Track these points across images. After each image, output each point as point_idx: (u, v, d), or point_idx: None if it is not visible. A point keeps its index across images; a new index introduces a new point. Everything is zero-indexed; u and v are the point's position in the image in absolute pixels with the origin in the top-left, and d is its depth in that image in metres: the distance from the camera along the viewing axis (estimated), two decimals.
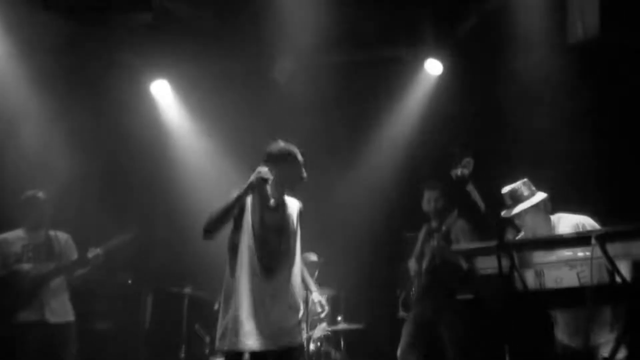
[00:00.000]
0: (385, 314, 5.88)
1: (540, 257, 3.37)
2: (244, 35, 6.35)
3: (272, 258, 3.79)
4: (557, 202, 4.09)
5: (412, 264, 5.34)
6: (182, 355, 5.79)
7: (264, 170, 3.73)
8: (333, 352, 5.90)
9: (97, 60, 6.24)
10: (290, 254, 3.87)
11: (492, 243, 3.29)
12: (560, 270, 3.43)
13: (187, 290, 5.92)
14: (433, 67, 6.61)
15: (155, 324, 6.12)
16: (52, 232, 5.12)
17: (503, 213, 4.02)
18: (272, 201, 3.89)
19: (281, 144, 3.95)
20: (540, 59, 5.71)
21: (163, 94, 6.88)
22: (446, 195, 5.28)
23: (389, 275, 5.98)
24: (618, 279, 3.15)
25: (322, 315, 4.43)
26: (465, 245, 4.76)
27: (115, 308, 6.45)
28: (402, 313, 5.33)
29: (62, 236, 5.18)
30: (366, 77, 6.77)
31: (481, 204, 3.40)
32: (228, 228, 3.84)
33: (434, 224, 5.32)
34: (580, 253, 3.25)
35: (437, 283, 5.13)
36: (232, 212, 3.77)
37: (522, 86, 5.89)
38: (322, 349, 5.80)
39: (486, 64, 6.19)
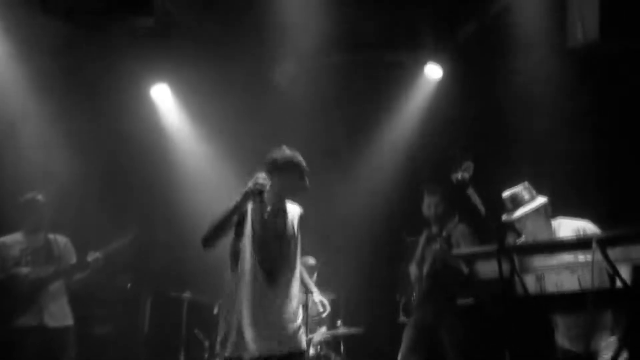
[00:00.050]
0: (385, 316, 5.86)
1: (540, 261, 3.36)
2: (244, 39, 6.36)
3: (273, 263, 3.77)
4: (557, 203, 4.07)
5: (412, 269, 5.32)
6: (182, 359, 5.77)
7: (260, 178, 3.69)
8: (333, 356, 5.87)
9: (97, 63, 6.23)
10: (291, 259, 3.85)
11: (493, 247, 3.28)
12: (561, 274, 3.43)
13: (187, 294, 5.91)
14: (433, 71, 6.62)
15: (154, 328, 6.09)
16: (51, 236, 5.10)
17: (504, 217, 4.01)
18: (269, 208, 3.85)
19: (286, 152, 3.85)
20: (540, 60, 5.70)
21: (163, 98, 6.87)
22: (446, 200, 5.26)
23: (388, 276, 5.97)
24: (619, 283, 3.14)
25: (324, 315, 4.41)
26: (465, 249, 4.75)
27: (115, 312, 6.43)
28: (402, 318, 5.31)
29: (61, 239, 5.17)
30: (367, 80, 6.77)
31: (481, 208, 3.39)
32: (229, 236, 3.82)
33: (434, 229, 5.30)
34: (581, 257, 3.24)
35: (438, 287, 5.12)
36: (231, 221, 3.75)
37: (521, 88, 5.89)
38: (322, 352, 5.78)
39: (486, 67, 6.19)
